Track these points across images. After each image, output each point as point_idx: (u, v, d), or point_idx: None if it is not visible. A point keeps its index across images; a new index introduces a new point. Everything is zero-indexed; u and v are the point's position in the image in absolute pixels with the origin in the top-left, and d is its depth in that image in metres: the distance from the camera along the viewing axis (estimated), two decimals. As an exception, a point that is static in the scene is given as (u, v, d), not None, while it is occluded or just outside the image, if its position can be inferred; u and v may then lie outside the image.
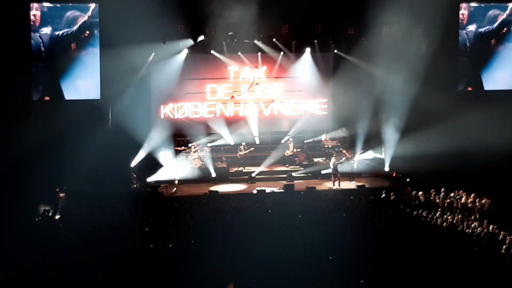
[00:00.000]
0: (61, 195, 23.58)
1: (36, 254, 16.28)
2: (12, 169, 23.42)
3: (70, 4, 25.58)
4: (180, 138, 28.88)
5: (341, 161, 27.30)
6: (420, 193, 22.98)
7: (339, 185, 26.30)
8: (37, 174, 23.76)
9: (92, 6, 25.47)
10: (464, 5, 27.93)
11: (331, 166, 26.79)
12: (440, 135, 26.16)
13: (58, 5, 25.29)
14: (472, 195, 22.47)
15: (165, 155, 28.33)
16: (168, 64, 28.24)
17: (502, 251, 16.69)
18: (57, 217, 20.68)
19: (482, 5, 28.18)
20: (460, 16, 28.02)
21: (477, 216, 20.51)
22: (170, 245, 17.31)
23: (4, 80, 24.56)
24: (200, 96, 29.44)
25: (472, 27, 28.21)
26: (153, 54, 27.47)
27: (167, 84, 28.56)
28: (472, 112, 26.35)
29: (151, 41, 26.64)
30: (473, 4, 28.10)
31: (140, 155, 27.26)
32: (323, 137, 30.13)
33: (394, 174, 28.01)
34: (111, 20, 24.83)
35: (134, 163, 26.96)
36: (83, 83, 26.12)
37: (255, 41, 28.58)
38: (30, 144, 24.57)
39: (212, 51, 28.64)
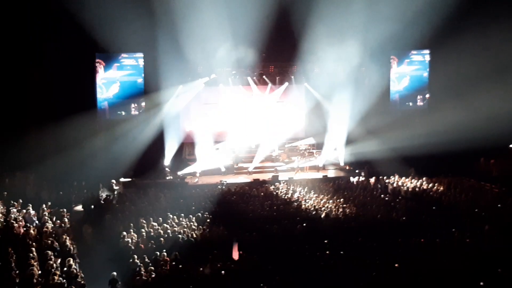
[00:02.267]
0: (115, 184, 23.85)
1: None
2: (83, 164, 23.79)
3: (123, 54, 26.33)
4: (201, 144, 28.92)
5: (303, 159, 28.03)
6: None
7: (295, 174, 26.88)
8: (99, 168, 24.18)
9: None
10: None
11: (296, 163, 27.71)
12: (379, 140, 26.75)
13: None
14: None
15: (189, 156, 28.69)
16: (191, 93, 28.33)
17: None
18: (114, 202, 20.93)
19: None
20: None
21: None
22: (193, 217, 17.77)
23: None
24: (214, 115, 29.28)
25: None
26: (181, 86, 27.65)
27: (191, 106, 28.70)
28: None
29: (179, 79, 27.14)
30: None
31: (172, 156, 27.41)
32: (298, 142, 30.40)
33: (347, 167, 28.43)
34: (151, 65, 25.45)
35: (167, 161, 27.12)
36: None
37: (248, 78, 29.10)
38: (95, 148, 25.15)
39: (221, 84, 28.90)
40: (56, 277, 12.01)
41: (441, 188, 21.53)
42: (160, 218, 17.39)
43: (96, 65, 26.01)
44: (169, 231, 15.96)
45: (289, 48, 27.21)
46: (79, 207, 21.02)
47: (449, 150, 24.10)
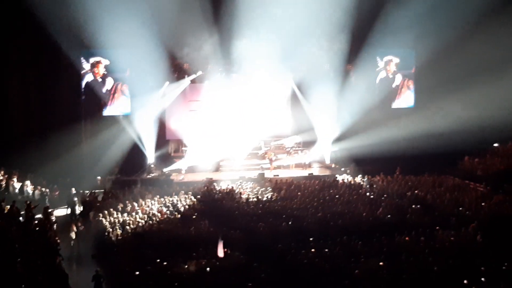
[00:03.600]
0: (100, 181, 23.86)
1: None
2: (70, 163, 23.83)
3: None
4: (185, 141, 28.97)
5: (274, 157, 28.00)
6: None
7: (270, 171, 26.91)
8: (85, 165, 24.23)
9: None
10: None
11: (269, 161, 27.78)
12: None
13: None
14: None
15: (175, 152, 28.56)
16: (177, 90, 28.35)
17: None
18: (99, 198, 20.88)
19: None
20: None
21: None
22: (179, 215, 17.72)
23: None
24: (199, 112, 29.27)
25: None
26: (167, 83, 27.60)
27: (176, 103, 28.59)
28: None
29: (166, 76, 27.02)
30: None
31: (157, 153, 27.38)
32: (283, 140, 30.47)
33: (333, 165, 28.48)
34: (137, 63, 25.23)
35: (152, 158, 27.06)
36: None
37: (235, 75, 28.95)
38: (81, 147, 25.06)
39: (207, 81, 28.82)
40: (40, 274, 11.91)
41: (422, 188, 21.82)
42: (145, 216, 17.37)
43: (96, 62, 26.15)
44: (154, 228, 15.95)
45: (277, 46, 27.18)
46: (64, 204, 20.91)
47: (434, 149, 24.27)
